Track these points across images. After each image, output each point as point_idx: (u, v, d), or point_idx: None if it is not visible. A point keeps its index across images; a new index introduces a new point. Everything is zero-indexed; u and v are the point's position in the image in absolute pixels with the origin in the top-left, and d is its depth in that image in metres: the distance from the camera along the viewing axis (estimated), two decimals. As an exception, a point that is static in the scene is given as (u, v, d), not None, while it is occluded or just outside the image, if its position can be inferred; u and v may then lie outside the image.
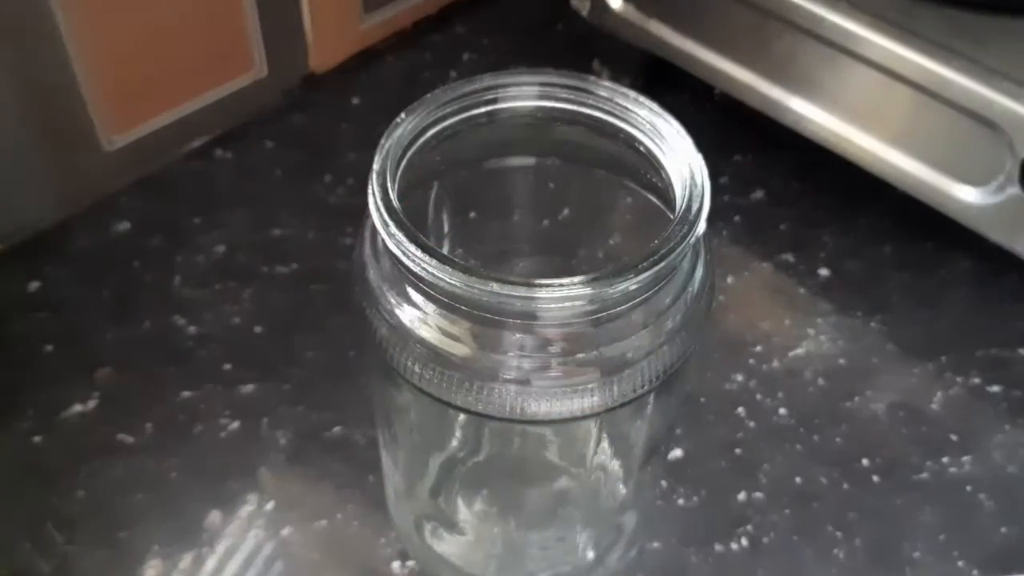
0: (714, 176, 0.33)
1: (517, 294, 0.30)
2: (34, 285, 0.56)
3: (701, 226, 0.32)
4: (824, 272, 0.60)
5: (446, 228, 0.40)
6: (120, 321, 0.55)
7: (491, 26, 0.75)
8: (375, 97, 0.69)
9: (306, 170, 0.64)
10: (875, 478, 0.50)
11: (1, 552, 0.46)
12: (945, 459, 0.51)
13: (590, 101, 0.36)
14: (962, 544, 0.48)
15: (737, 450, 0.51)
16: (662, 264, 0.30)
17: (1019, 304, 0.58)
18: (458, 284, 0.30)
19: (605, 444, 0.46)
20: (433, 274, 0.30)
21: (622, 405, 0.34)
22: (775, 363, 0.55)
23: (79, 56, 0.54)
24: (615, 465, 0.46)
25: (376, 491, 0.47)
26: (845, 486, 0.50)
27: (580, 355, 0.33)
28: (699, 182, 0.33)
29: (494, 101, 0.36)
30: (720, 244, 0.60)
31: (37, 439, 0.50)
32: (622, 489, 0.46)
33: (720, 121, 0.61)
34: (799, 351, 0.55)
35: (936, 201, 0.55)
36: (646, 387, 0.34)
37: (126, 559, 0.46)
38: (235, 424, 0.51)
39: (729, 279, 0.59)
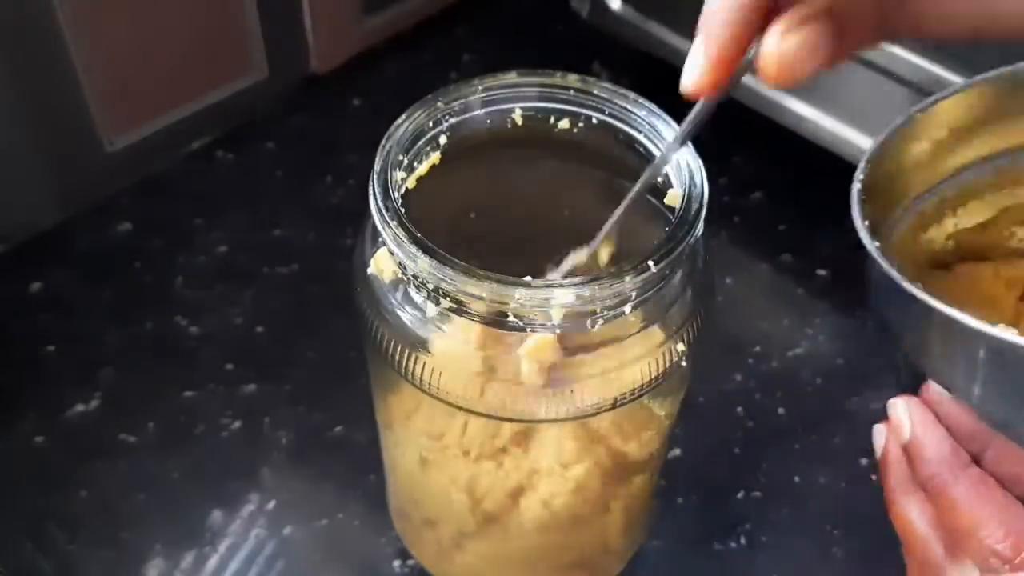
0: (713, 177, 0.33)
1: (516, 294, 0.30)
2: (36, 286, 0.56)
3: (700, 227, 0.32)
4: (822, 272, 0.60)
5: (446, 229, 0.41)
6: (122, 321, 0.55)
7: (491, 28, 0.75)
8: (375, 98, 0.69)
9: (307, 171, 0.64)
10: (873, 477, 0.50)
11: (3, 551, 0.46)
12: (943, 458, 0.51)
13: (589, 102, 0.36)
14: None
15: (736, 449, 0.51)
16: (661, 264, 0.31)
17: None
18: (458, 284, 0.30)
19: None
20: (433, 274, 0.30)
21: (622, 405, 0.34)
22: (774, 363, 0.55)
23: (80, 58, 0.54)
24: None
25: (377, 490, 0.48)
26: (843, 485, 0.50)
27: (580, 355, 0.33)
28: (698, 183, 0.33)
29: (494, 102, 0.36)
30: (719, 245, 0.60)
31: (39, 439, 0.50)
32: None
33: (719, 122, 0.61)
34: (798, 351, 0.56)
35: (934, 201, 0.55)
36: (646, 387, 0.34)
37: (128, 558, 0.46)
38: (236, 424, 0.51)
39: (728, 279, 0.59)
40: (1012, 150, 0.34)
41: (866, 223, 0.30)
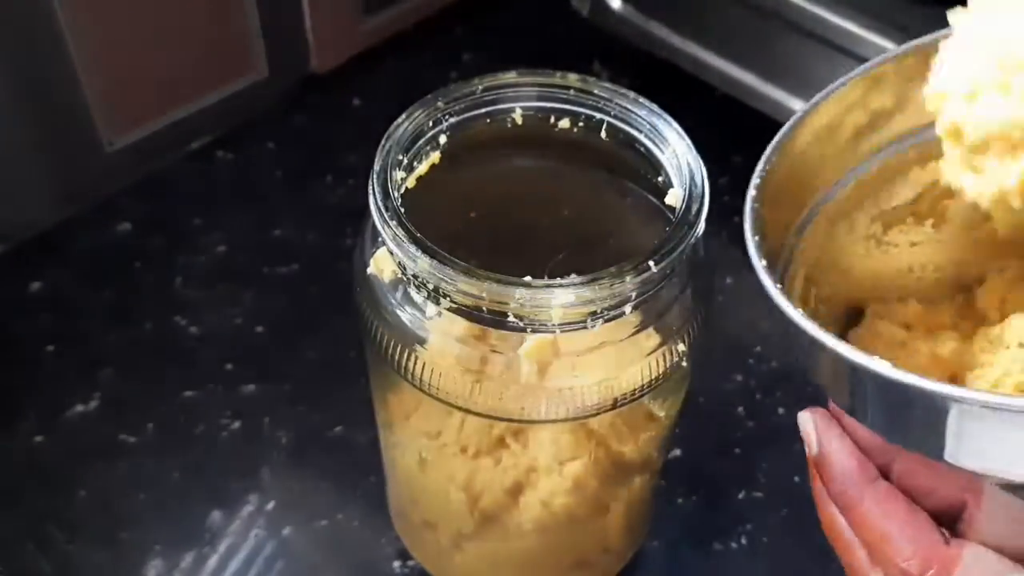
0: (714, 177, 0.33)
1: (516, 294, 0.30)
2: (35, 286, 0.56)
3: (701, 227, 0.32)
4: (823, 272, 0.60)
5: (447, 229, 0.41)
6: (121, 321, 0.55)
7: (491, 27, 0.75)
8: (375, 98, 0.69)
9: (307, 171, 0.64)
10: (874, 478, 0.50)
11: (3, 551, 0.46)
12: (944, 459, 0.51)
13: (590, 102, 0.36)
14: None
15: (736, 450, 0.51)
16: (662, 264, 0.31)
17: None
18: (458, 284, 0.30)
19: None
20: (433, 274, 0.30)
21: (622, 405, 0.34)
22: (774, 363, 0.55)
23: (81, 58, 0.54)
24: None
25: (377, 491, 0.48)
26: (844, 485, 0.50)
27: (580, 355, 0.33)
28: (699, 183, 0.33)
29: (494, 102, 0.36)
30: (720, 244, 0.60)
31: (39, 439, 0.50)
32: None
33: (720, 121, 0.61)
34: (798, 351, 0.56)
35: (935, 201, 0.55)
36: (646, 387, 0.34)
37: (127, 559, 0.46)
38: (236, 424, 0.51)
39: (728, 279, 0.59)
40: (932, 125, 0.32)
41: (756, 238, 0.29)
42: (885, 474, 0.30)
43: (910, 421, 0.25)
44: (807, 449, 0.32)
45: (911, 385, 0.23)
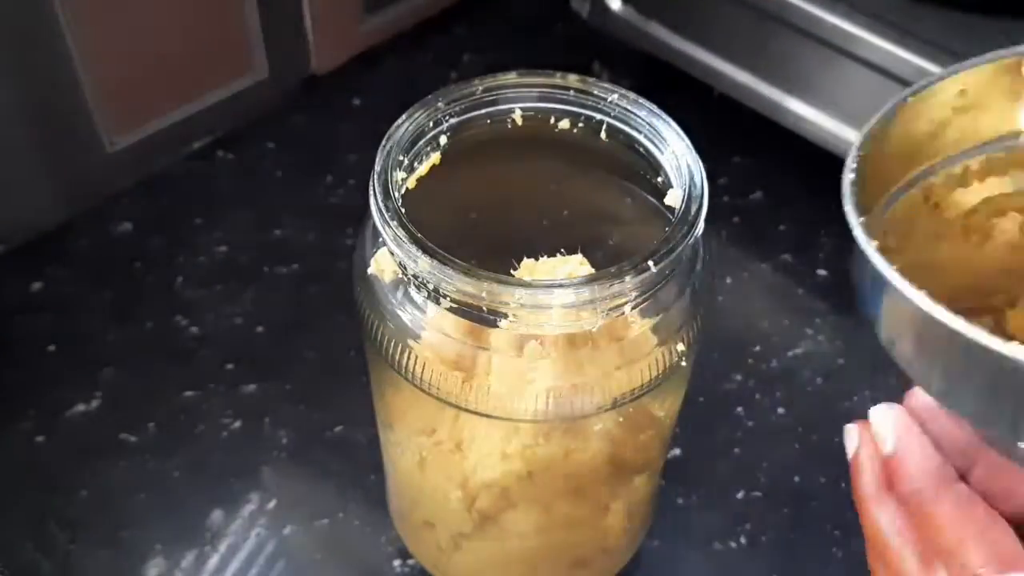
0: (713, 177, 0.33)
1: (516, 294, 0.30)
2: (36, 286, 0.56)
3: (700, 227, 0.32)
4: (822, 272, 0.60)
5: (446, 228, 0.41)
6: (122, 321, 0.55)
7: (491, 28, 0.75)
8: (376, 98, 0.69)
9: (307, 171, 0.64)
10: (873, 477, 0.50)
11: (3, 551, 0.46)
12: (943, 458, 0.51)
13: (590, 102, 0.36)
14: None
15: (736, 449, 0.51)
16: (661, 264, 0.31)
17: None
18: (458, 284, 0.30)
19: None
20: (433, 274, 0.30)
21: (621, 405, 0.34)
22: (774, 363, 0.55)
23: (81, 58, 0.54)
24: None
25: (377, 490, 0.48)
26: (843, 485, 0.50)
27: (579, 355, 0.33)
28: (698, 183, 0.33)
29: (494, 102, 0.36)
30: (719, 244, 0.60)
31: (40, 439, 0.50)
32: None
33: (719, 122, 0.61)
34: (798, 351, 0.56)
35: (934, 202, 0.55)
36: (646, 387, 0.34)
37: (128, 558, 0.46)
38: (237, 423, 0.51)
39: (728, 279, 0.59)
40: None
41: (861, 220, 0.29)
42: (963, 478, 0.29)
43: (1008, 401, 0.24)
44: (879, 447, 0.31)
45: (1017, 359, 0.22)
